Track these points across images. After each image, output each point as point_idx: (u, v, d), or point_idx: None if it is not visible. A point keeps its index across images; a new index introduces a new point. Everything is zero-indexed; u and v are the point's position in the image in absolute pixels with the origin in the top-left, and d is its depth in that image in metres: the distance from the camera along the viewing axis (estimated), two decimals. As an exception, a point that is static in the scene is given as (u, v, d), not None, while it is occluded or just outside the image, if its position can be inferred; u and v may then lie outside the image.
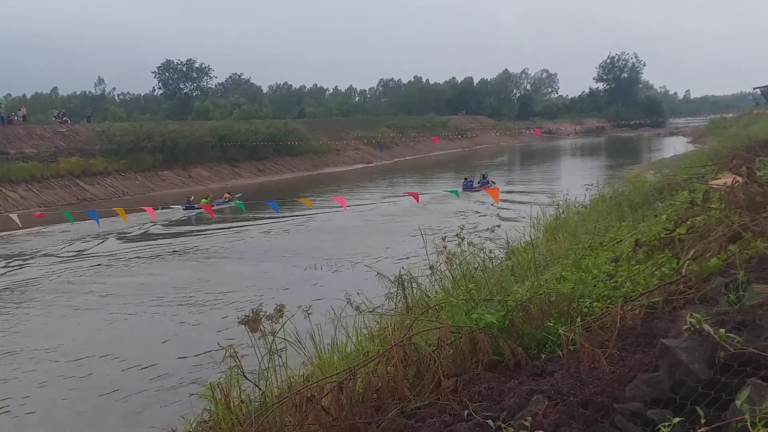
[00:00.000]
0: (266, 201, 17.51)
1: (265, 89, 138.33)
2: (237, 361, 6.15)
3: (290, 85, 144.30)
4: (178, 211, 33.13)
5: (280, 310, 6.80)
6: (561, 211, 15.95)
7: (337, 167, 63.80)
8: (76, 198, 41.79)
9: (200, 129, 57.91)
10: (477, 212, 27.37)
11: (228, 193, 39.58)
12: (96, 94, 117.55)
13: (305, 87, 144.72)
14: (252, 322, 6.85)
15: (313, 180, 51.74)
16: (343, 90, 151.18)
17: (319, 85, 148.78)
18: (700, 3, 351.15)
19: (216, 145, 55.96)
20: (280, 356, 6.62)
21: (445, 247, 10.64)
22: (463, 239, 10.73)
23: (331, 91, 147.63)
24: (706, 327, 2.85)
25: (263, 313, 6.81)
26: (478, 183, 36.90)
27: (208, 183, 50.68)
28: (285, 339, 6.74)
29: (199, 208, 33.25)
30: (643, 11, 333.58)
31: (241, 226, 27.50)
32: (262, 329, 6.71)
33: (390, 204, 32.87)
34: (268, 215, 28.73)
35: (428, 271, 9.76)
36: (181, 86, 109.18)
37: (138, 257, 21.88)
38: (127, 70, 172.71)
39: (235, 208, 31.50)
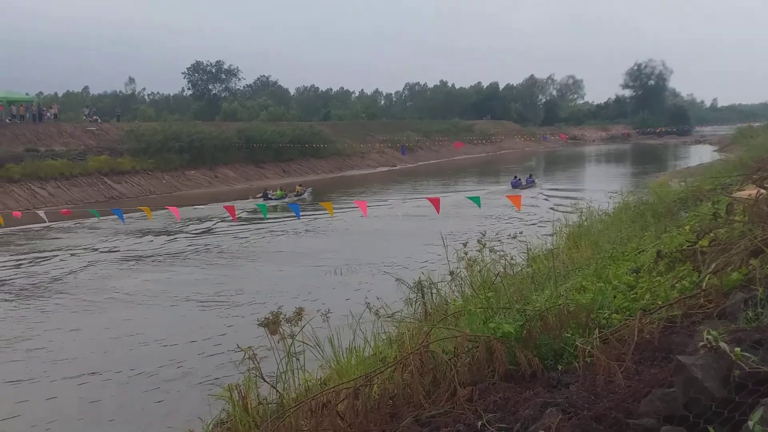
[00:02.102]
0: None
1: (292, 91, 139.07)
2: (256, 363, 6.17)
3: (317, 88, 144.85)
4: (257, 202, 35.49)
5: (299, 313, 6.83)
6: (584, 218, 15.85)
7: (361, 170, 63.94)
8: (103, 196, 42.34)
9: (228, 130, 58.38)
10: (500, 217, 27.26)
11: (300, 186, 42.32)
12: (126, 94, 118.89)
13: (332, 90, 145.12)
14: (271, 324, 6.88)
15: (336, 182, 51.89)
16: (369, 93, 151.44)
17: (345, 89, 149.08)
18: (729, 11, 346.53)
19: (242, 146, 56.37)
20: (298, 359, 6.64)
21: (466, 254, 10.61)
22: (484, 245, 10.69)
23: (357, 94, 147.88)
24: (722, 345, 2.82)
25: (282, 316, 6.83)
26: (526, 182, 40.71)
27: (234, 183, 51.10)
28: (303, 342, 6.76)
29: (277, 199, 37.95)
30: (671, 18, 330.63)
31: (264, 227, 27.63)
32: (281, 332, 6.74)
33: (412, 207, 32.84)
34: (290, 217, 28.86)
35: (448, 277, 9.73)
36: (210, 87, 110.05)
37: (167, 254, 22.14)
38: (158, 71, 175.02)
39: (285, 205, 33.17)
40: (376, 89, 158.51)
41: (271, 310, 7.04)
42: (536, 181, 42.39)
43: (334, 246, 22.96)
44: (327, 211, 18.40)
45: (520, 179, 41.37)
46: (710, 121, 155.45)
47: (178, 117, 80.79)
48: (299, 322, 6.67)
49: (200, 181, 50.03)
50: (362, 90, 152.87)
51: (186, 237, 26.27)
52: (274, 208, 32.87)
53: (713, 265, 4.84)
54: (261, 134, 58.70)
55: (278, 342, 6.63)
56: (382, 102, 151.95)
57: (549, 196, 36.29)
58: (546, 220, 23.38)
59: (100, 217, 23.95)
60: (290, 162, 59.45)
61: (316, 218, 29.44)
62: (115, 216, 17.51)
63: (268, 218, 28.79)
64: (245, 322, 13.13)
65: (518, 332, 4.67)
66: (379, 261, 18.85)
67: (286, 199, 38.93)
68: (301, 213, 24.59)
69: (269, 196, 39.56)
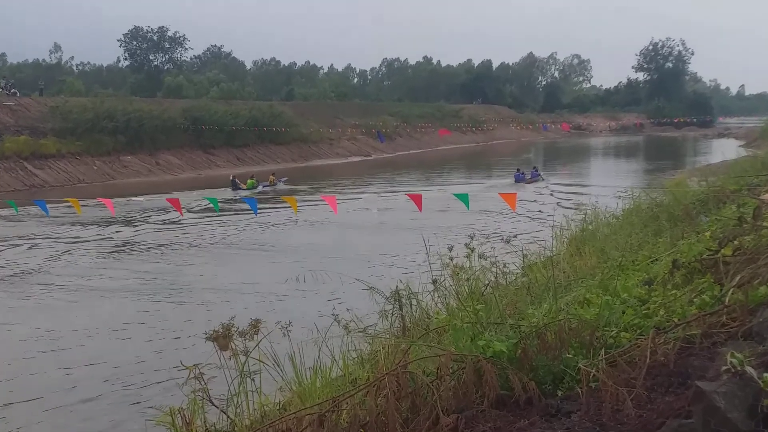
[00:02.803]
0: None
1: (248, 65, 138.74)
2: (202, 383, 6.13)
3: (278, 62, 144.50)
4: (225, 192, 38.11)
5: (254, 325, 6.79)
6: (588, 221, 15.97)
7: (330, 159, 63.94)
8: (23, 184, 41.85)
9: (171, 109, 58.02)
10: (491, 218, 27.40)
11: (273, 175, 43.39)
12: (51, 63, 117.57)
13: (296, 64, 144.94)
14: (221, 338, 6.83)
15: (300, 173, 51.75)
16: (339, 69, 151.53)
17: (311, 63, 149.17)
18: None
19: (189, 128, 56.08)
20: (253, 380, 6.60)
21: (451, 259, 10.63)
22: (473, 250, 10.73)
23: (325, 70, 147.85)
24: (749, 369, 2.85)
25: (235, 329, 6.79)
26: (531, 176, 42.57)
27: (178, 172, 50.79)
28: (259, 360, 6.73)
29: (247, 188, 39.55)
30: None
31: (216, 224, 27.52)
32: (233, 347, 6.70)
33: (389, 205, 32.90)
34: (247, 212, 28.74)
35: (430, 287, 9.75)
36: (151, 58, 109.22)
37: (99, 253, 21.94)
38: (89, 37, 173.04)
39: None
40: (349, 65, 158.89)
41: (222, 321, 7.00)
42: (542, 175, 43.97)
43: (297, 248, 22.90)
44: (290, 207, 18.35)
45: (524, 173, 42.93)
46: (736, 111, 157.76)
47: (113, 92, 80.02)
48: (255, 336, 6.63)
49: (138, 169, 49.64)
50: (332, 65, 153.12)
51: (123, 234, 26.06)
52: (233, 201, 32.80)
53: (738, 278, 4.90)
54: (211, 115, 58.40)
55: (229, 359, 6.58)
56: (356, 80, 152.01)
57: (556, 192, 36.83)
58: (550, 222, 23.54)
59: (20, 210, 23.63)
60: (245, 148, 59.24)
61: (277, 215, 29.36)
62: (38, 208, 17.31)
63: (221, 213, 28.69)
64: (191, 335, 13.07)
65: (511, 352, 4.70)
66: (349, 266, 18.83)
67: (258, 189, 40.14)
68: (258, 208, 24.52)
69: (238, 185, 40.19)
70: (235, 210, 31.16)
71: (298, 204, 17.66)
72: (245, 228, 26.94)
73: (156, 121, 53.50)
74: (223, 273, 19.72)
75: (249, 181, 41.31)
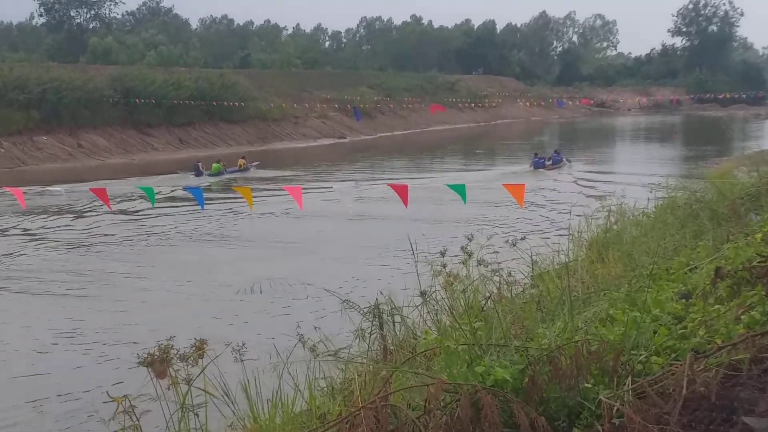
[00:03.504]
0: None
1: (194, 24, 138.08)
2: (134, 419, 6.10)
3: (231, 21, 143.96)
4: (185, 178, 39.72)
5: (199, 347, 6.76)
6: (613, 220, 16.04)
7: (295, 141, 63.92)
8: None
9: (97, 77, 57.66)
10: (496, 214, 27.45)
11: (243, 159, 44.85)
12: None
13: (253, 24, 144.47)
14: (158, 363, 6.79)
15: (258, 158, 51.60)
16: (307, 31, 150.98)
17: (272, 23, 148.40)
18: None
19: (119, 102, 55.75)
20: (197, 415, 6.58)
21: (444, 266, 10.64)
22: (470, 255, 10.74)
23: (290, 31, 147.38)
24: (808, 403, 2.87)
25: (175, 351, 6.76)
26: (552, 161, 43.87)
27: (105, 156, 50.56)
28: (205, 391, 6.70)
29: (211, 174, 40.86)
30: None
31: (153, 221, 27.42)
32: (173, 374, 6.66)
33: (368, 198, 32.89)
34: (187, 205, 28.69)
35: (418, 300, 9.76)
36: (72, 14, 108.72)
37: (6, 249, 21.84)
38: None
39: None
40: (319, 24, 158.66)
41: (159, 341, 6.97)
42: (566, 159, 45.37)
43: (253, 251, 22.85)
44: (245, 201, 18.29)
45: (543, 157, 43.96)
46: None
47: (24, 56, 79.43)
48: (199, 360, 6.60)
49: (56, 152, 49.34)
50: (297, 25, 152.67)
51: (37, 230, 25.91)
52: (176, 192, 32.76)
53: (795, 290, 4.94)
54: (147, 85, 58.12)
55: (168, 389, 6.56)
56: (327, 44, 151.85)
57: (580, 181, 37.28)
58: (558, 224, 23.62)
59: None
60: (189, 127, 59.03)
61: (230, 210, 29.29)
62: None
63: (159, 206, 28.62)
64: (121, 359, 12.99)
65: (517, 380, 4.71)
66: (317, 274, 18.81)
67: (225, 176, 41.47)
68: (206, 201, 24.43)
69: (201, 170, 41.29)
70: (178, 203, 31.04)
71: (255, 195, 17.64)
72: (189, 226, 26.81)
73: (78, 93, 53.09)
74: (160, 280, 19.62)
75: (214, 165, 42.29)
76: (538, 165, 42.82)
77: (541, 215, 27.65)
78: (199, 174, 41.20)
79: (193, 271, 20.71)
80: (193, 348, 6.76)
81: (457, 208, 25.21)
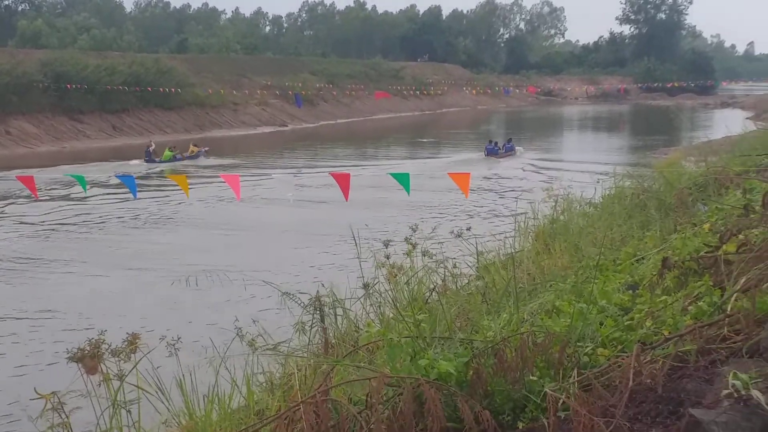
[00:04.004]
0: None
1: (128, 7, 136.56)
2: (63, 416, 6.01)
3: (167, 4, 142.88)
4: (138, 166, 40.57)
5: (132, 342, 6.68)
6: (560, 210, 16.15)
7: (234, 129, 63.52)
8: None
9: (26, 62, 56.80)
10: (441, 205, 27.55)
11: (195, 145, 46.21)
12: None
13: (190, 7, 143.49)
14: (89, 358, 6.70)
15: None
16: (247, 15, 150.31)
17: (210, 6, 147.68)
18: None
19: (50, 88, 54.95)
20: (130, 412, 6.51)
21: (387, 258, 10.64)
22: (414, 246, 10.75)
23: (228, 15, 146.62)
24: (756, 394, 2.89)
25: (106, 346, 6.67)
26: (504, 149, 45.78)
27: (35, 144, 49.79)
28: (138, 387, 6.63)
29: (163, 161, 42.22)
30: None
31: (83, 209, 27.11)
32: (104, 370, 6.58)
33: (309, 187, 32.81)
34: (122, 193, 28.44)
35: (361, 292, 9.74)
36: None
37: None
38: None
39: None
40: (259, 9, 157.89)
41: (90, 336, 6.87)
42: (518, 147, 47.46)
43: (189, 242, 22.68)
44: (180, 189, 18.12)
45: (497, 144, 45.80)
46: (744, 74, 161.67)
47: (-52, 39, 77.96)
48: (132, 355, 6.52)
49: (-20, 140, 48.49)
50: (237, 9, 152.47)
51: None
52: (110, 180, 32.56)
53: (743, 280, 4.99)
54: (79, 70, 57.42)
55: (99, 385, 6.47)
56: (268, 28, 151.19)
57: (527, 170, 37.95)
58: (503, 215, 23.78)
59: None
60: (123, 114, 58.40)
61: (165, 199, 29.08)
62: None
63: (90, 195, 28.32)
64: (48, 353, 12.84)
65: (461, 373, 4.71)
66: (256, 265, 18.74)
67: (177, 162, 42.66)
68: (140, 190, 24.20)
69: (152, 156, 42.33)
70: (112, 191, 30.75)
71: (192, 184, 17.49)
72: (121, 216, 26.60)
73: (6, 78, 52.20)
74: (92, 271, 19.42)
75: (166, 151, 43.18)
76: (491, 152, 44.55)
77: (488, 205, 27.85)
78: (150, 159, 41.91)
79: (127, 261, 20.52)
80: (126, 342, 6.67)
81: (402, 198, 25.22)
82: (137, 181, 19.09)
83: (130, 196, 27.56)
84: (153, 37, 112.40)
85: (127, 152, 46.88)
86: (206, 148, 46.21)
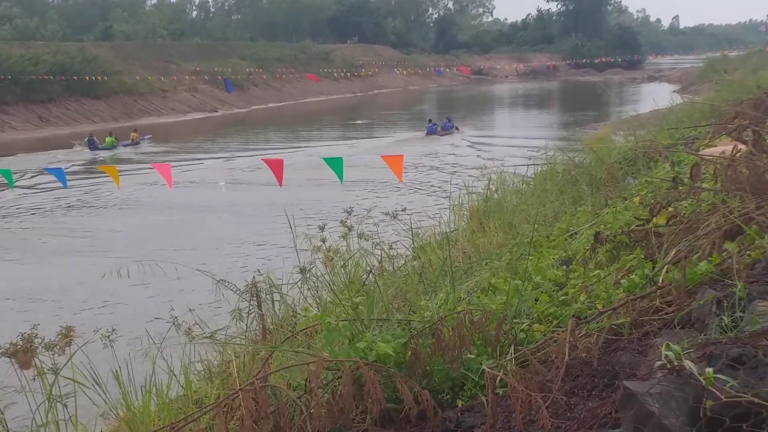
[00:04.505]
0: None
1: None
2: (-3, 412, 5.95)
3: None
4: (82, 153, 41.66)
5: (66, 335, 6.63)
6: (493, 189, 16.26)
7: (163, 116, 62.81)
8: None
9: (-54, 52, 55.59)
10: (376, 187, 27.58)
11: (135, 132, 46.91)
12: None
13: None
14: (22, 352, 6.64)
15: (125, 134, 50.60)
16: (173, 0, 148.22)
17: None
18: None
19: (-29, 79, 53.90)
20: (66, 405, 6.44)
21: (323, 241, 10.64)
22: (350, 229, 10.76)
23: (154, 1, 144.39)
24: (688, 364, 2.92)
25: (40, 340, 6.60)
26: (443, 127, 46.79)
27: (-42, 137, 48.69)
28: (74, 380, 6.56)
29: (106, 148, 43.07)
30: None
31: (11, 202, 26.67)
32: (38, 364, 6.51)
33: (242, 173, 32.63)
34: (51, 184, 28.06)
35: (297, 276, 9.73)
36: None
37: None
38: None
39: None
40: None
41: (22, 330, 6.78)
42: (457, 126, 48.29)
43: (120, 232, 22.43)
44: (111, 179, 17.89)
45: (436, 124, 47.01)
46: (670, 48, 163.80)
47: None
48: (67, 348, 6.46)
49: None
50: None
51: None
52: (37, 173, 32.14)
53: (673, 252, 5.06)
54: (2, 61, 56.58)
55: (33, 379, 6.39)
56: (195, 14, 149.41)
57: (460, 150, 38.45)
58: (439, 195, 23.88)
59: None
60: (49, 104, 57.48)
61: (95, 188, 28.72)
62: None
63: (21, 186, 27.98)
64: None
65: (400, 354, 4.73)
66: (190, 254, 18.58)
67: (118, 149, 43.36)
68: (70, 180, 23.88)
69: (96, 144, 43.01)
70: (41, 182, 30.32)
71: (122, 174, 17.25)
72: (50, 207, 26.27)
73: (-74, 70, 51.18)
74: (22, 265, 19.15)
75: (108, 139, 43.69)
76: (431, 131, 45.75)
77: (425, 184, 27.93)
78: (93, 147, 42.40)
79: (59, 253, 20.25)
80: (60, 335, 6.61)
81: (337, 181, 25.25)
82: (80, 167, 18.80)
83: (61, 186, 27.34)
84: (77, 25, 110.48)
85: (55, 142, 46.24)
86: (149, 136, 47.28)
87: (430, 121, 48.05)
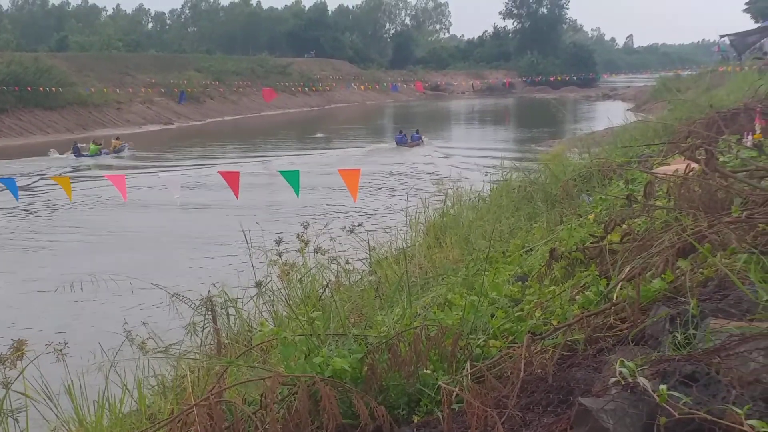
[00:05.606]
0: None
1: (5, 5, 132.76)
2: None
3: (45, 0, 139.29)
4: (66, 160, 42.51)
5: (18, 348, 6.55)
6: (450, 204, 16.31)
7: (118, 128, 62.29)
8: None
9: None
10: (333, 201, 27.53)
11: (117, 139, 47.90)
12: None
13: (69, 4, 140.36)
14: (-28, 368, 6.56)
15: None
16: (128, 12, 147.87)
17: (90, 3, 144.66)
18: None
19: None
20: (17, 420, 6.37)
21: (280, 255, 10.60)
22: (307, 243, 10.74)
23: (109, 11, 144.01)
24: (642, 381, 2.96)
25: (-9, 355, 6.53)
26: (412, 139, 49.10)
27: None
28: (25, 394, 6.48)
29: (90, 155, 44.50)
30: None
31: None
32: (-11, 379, 6.43)
33: (197, 186, 32.44)
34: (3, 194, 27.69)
35: (253, 291, 9.70)
36: None
37: None
38: None
39: None
40: (140, 6, 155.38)
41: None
42: (424, 138, 50.64)
43: (73, 244, 22.21)
44: (63, 191, 17.70)
45: (405, 134, 49.60)
46: (624, 67, 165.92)
47: None
48: (18, 362, 6.38)
49: None
50: (118, 6, 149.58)
51: None
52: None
53: (627, 269, 5.12)
54: (-46, 71, 55.78)
55: (-16, 394, 6.30)
56: (150, 25, 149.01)
57: (427, 162, 39.48)
58: (395, 211, 23.89)
59: None
60: (3, 115, 56.96)
61: (47, 201, 28.38)
62: None
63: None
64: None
65: (356, 370, 4.72)
66: (145, 268, 18.41)
67: (100, 157, 44.29)
68: (21, 193, 23.60)
69: (80, 151, 43.97)
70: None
71: (74, 185, 17.12)
72: (2, 220, 25.87)
73: None
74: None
75: (92, 146, 44.79)
76: (400, 141, 48.56)
77: (381, 199, 27.93)
78: (78, 155, 43.53)
79: (10, 266, 19.97)
80: (11, 349, 6.53)
81: (291, 197, 25.21)
82: (71, 175, 18.56)
83: (12, 198, 27.00)
84: (31, 35, 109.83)
85: (8, 153, 45.67)
86: (129, 143, 47.96)
87: (400, 132, 50.55)
